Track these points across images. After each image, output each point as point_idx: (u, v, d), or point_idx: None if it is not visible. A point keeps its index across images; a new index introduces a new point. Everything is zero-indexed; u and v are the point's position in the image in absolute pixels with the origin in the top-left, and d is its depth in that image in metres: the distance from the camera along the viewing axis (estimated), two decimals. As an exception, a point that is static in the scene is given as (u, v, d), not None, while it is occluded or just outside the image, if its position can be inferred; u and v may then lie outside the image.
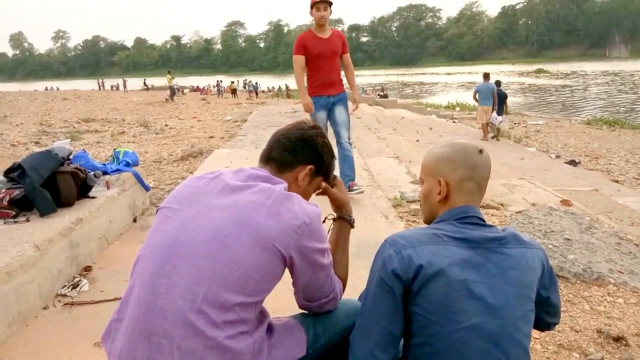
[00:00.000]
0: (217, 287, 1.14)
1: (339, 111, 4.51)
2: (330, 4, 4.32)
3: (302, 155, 1.41)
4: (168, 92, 26.90)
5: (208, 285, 1.14)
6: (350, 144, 4.55)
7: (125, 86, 46.74)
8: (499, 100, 11.70)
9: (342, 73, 4.65)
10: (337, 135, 4.51)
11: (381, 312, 1.20)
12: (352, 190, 4.34)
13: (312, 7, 4.31)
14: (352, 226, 1.59)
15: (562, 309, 2.53)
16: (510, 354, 1.15)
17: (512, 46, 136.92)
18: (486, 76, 10.30)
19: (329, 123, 4.59)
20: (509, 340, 1.15)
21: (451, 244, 1.21)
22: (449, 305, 1.15)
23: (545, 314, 1.38)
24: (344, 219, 1.58)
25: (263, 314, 1.31)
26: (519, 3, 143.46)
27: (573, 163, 7.38)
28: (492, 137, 11.55)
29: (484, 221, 1.28)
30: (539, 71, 65.12)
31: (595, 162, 7.36)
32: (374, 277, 1.24)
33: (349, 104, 4.70)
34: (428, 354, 1.17)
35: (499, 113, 11.64)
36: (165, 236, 1.25)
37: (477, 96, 11.91)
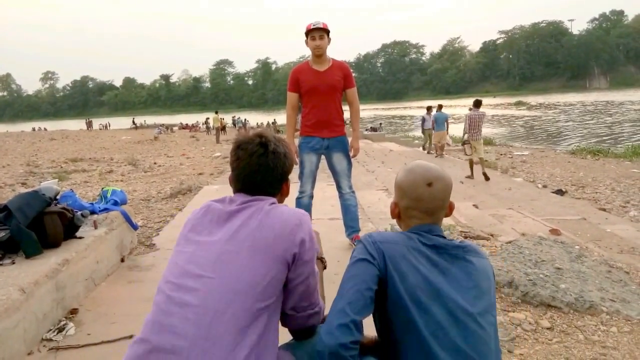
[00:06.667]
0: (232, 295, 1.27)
1: (337, 158, 3.93)
2: (327, 32, 3.77)
3: (278, 181, 1.52)
4: (214, 131, 27.69)
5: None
6: (352, 192, 4.03)
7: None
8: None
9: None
10: (337, 184, 4.02)
11: (359, 279, 1.29)
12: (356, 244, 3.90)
13: (306, 36, 3.78)
14: (324, 266, 1.66)
15: (556, 339, 2.53)
16: (477, 350, 1.24)
17: (495, 79, 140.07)
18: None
19: (326, 169, 4.13)
20: (475, 338, 1.25)
21: (422, 247, 1.35)
22: (420, 304, 1.26)
23: None
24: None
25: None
26: (499, 38, 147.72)
27: (560, 192, 7.46)
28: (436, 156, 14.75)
29: (445, 237, 1.42)
30: (518, 103, 66.50)
31: (582, 191, 7.44)
32: (354, 259, 1.35)
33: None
34: (400, 349, 1.26)
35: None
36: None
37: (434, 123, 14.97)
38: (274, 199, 1.47)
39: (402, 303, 1.26)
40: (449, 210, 1.47)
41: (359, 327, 1.24)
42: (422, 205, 1.41)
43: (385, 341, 1.33)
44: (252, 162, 1.46)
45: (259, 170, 1.46)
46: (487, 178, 9.22)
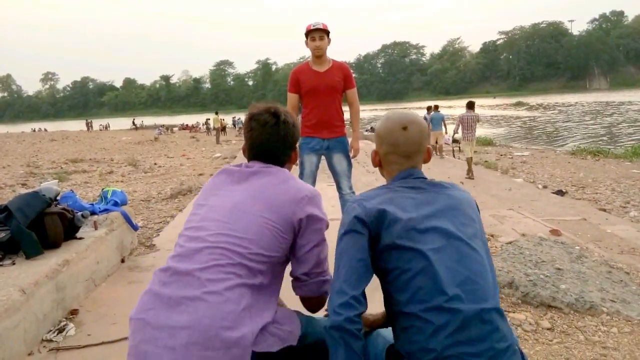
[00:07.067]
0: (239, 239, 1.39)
1: (337, 159, 3.93)
2: (327, 32, 3.78)
3: (289, 148, 1.65)
4: (214, 132, 27.51)
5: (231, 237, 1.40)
6: (353, 193, 3.98)
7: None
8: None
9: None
10: (338, 185, 4.01)
11: (349, 253, 1.34)
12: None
13: (306, 36, 3.79)
14: None
15: (556, 340, 2.53)
16: (472, 269, 1.29)
17: (495, 80, 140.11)
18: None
19: (326, 169, 4.11)
20: (469, 258, 1.31)
21: (403, 191, 1.42)
22: (413, 239, 1.31)
23: None
24: None
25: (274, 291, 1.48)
26: (499, 38, 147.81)
27: (560, 193, 7.46)
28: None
29: (426, 178, 1.49)
30: (517, 104, 66.45)
31: (582, 192, 7.44)
32: (342, 232, 1.39)
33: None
34: (405, 280, 1.29)
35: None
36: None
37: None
38: (287, 171, 1.61)
39: (398, 242, 1.32)
40: (427, 155, 1.55)
41: (360, 300, 1.30)
42: (399, 149, 1.49)
43: (387, 280, 1.37)
44: (265, 132, 1.59)
45: (271, 139, 1.59)
46: (471, 177, 9.51)
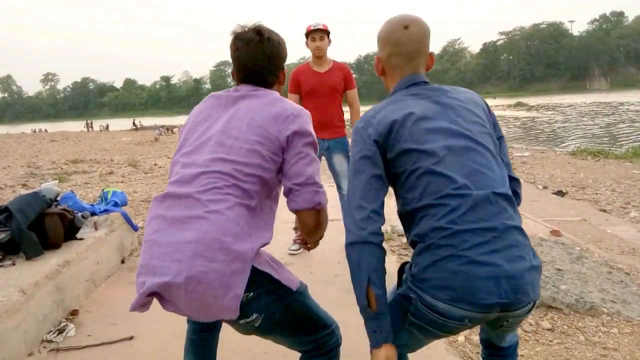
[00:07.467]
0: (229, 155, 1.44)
1: (338, 159, 3.94)
2: (328, 33, 3.82)
3: (277, 68, 1.64)
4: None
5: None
6: None
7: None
8: None
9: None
10: (338, 185, 4.04)
11: (364, 172, 1.37)
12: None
13: (306, 37, 3.83)
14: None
15: (557, 340, 2.52)
16: (478, 162, 1.34)
17: (495, 80, 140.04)
18: None
19: (326, 169, 4.12)
20: (475, 153, 1.35)
21: (407, 100, 1.43)
22: (419, 141, 1.34)
23: None
24: None
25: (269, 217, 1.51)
26: (499, 39, 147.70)
27: (560, 193, 7.45)
28: None
29: (429, 83, 1.50)
30: (517, 104, 66.40)
31: (582, 192, 7.44)
32: (356, 153, 1.41)
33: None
34: (415, 178, 1.34)
35: None
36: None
37: None
38: (277, 93, 1.60)
39: (405, 146, 1.35)
40: (430, 60, 1.54)
41: (379, 213, 1.36)
42: (401, 49, 1.48)
43: (399, 183, 1.40)
44: (250, 50, 1.58)
45: (257, 57, 1.58)
46: None
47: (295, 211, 1.52)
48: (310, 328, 1.54)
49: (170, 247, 1.34)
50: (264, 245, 1.43)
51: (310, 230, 1.56)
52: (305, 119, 1.53)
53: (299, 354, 1.62)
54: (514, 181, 1.51)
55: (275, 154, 1.46)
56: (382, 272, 1.33)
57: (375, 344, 1.30)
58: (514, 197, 1.45)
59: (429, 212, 1.31)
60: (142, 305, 1.39)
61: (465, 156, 1.34)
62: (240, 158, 1.43)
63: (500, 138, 1.53)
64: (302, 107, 1.57)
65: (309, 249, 1.76)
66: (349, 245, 1.33)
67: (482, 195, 1.29)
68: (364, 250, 1.30)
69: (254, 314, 1.40)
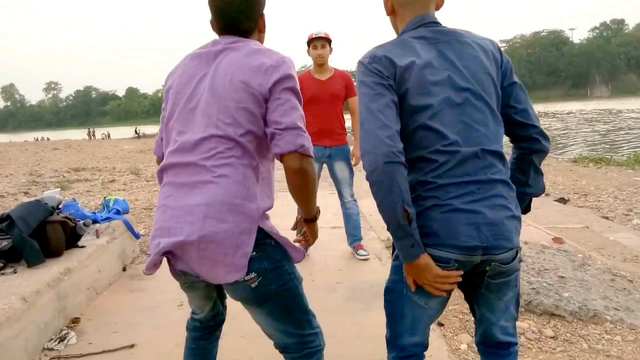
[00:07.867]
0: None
1: (339, 167, 3.96)
2: (329, 41, 3.86)
3: (255, 13, 1.59)
4: None
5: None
6: (354, 201, 4.06)
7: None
8: None
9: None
10: (339, 193, 4.05)
11: (384, 96, 1.35)
12: (358, 254, 3.93)
13: (308, 45, 3.88)
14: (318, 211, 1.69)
15: (560, 348, 2.51)
16: (473, 118, 1.35)
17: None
18: None
19: (328, 177, 4.12)
20: (473, 108, 1.36)
21: (414, 43, 1.41)
22: (420, 92, 1.34)
23: (514, 114, 1.47)
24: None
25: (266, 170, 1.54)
26: (500, 47, 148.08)
27: (562, 201, 7.43)
28: None
29: (439, 24, 1.46)
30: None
31: (585, 199, 7.42)
32: (367, 83, 1.38)
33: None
34: (410, 130, 1.35)
35: None
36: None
37: None
38: (256, 42, 1.57)
39: (405, 95, 1.36)
40: None
41: (399, 135, 1.34)
42: None
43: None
44: None
45: (234, 2, 1.54)
46: None
47: (279, 156, 1.45)
48: (299, 320, 1.56)
49: (183, 210, 1.41)
50: (267, 210, 1.49)
51: (295, 187, 1.48)
52: (285, 67, 1.48)
53: None
54: (531, 141, 1.49)
55: (261, 106, 1.46)
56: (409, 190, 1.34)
57: (414, 257, 1.34)
58: (537, 153, 1.50)
59: (418, 165, 1.36)
60: (154, 265, 1.53)
61: (462, 111, 1.36)
62: (231, 119, 1.43)
63: (513, 84, 1.50)
64: (284, 55, 1.53)
65: (307, 242, 1.76)
66: (378, 167, 1.28)
67: (470, 152, 1.33)
68: (397, 172, 1.28)
69: (253, 273, 1.44)
